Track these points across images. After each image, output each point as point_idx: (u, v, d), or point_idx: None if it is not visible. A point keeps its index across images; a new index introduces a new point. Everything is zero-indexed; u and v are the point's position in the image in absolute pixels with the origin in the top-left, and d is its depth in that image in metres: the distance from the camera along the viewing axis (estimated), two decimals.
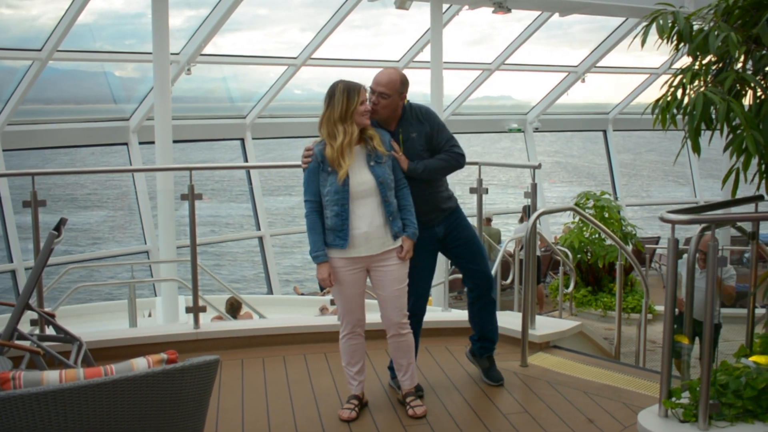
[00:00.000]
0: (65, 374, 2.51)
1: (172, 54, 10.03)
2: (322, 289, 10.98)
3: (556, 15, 12.85)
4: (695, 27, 3.75)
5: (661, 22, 3.73)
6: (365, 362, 4.02)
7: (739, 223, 4.26)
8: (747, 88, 3.76)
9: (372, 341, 4.30)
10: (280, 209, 31.38)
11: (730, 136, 3.65)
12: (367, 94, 3.83)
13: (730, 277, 6.51)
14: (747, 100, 3.79)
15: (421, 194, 3.95)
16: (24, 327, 4.17)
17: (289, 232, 24.77)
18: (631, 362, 6.40)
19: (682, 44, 3.79)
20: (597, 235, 9.97)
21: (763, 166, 3.73)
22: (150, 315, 9.78)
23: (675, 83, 3.71)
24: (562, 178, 38.63)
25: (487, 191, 5.58)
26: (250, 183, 13.61)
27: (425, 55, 12.49)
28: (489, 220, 12.67)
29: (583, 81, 15.41)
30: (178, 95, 12.35)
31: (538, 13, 13.21)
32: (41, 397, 2.40)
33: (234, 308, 8.73)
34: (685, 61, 3.84)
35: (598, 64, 15.14)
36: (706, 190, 17.94)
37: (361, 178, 3.73)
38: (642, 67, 16.29)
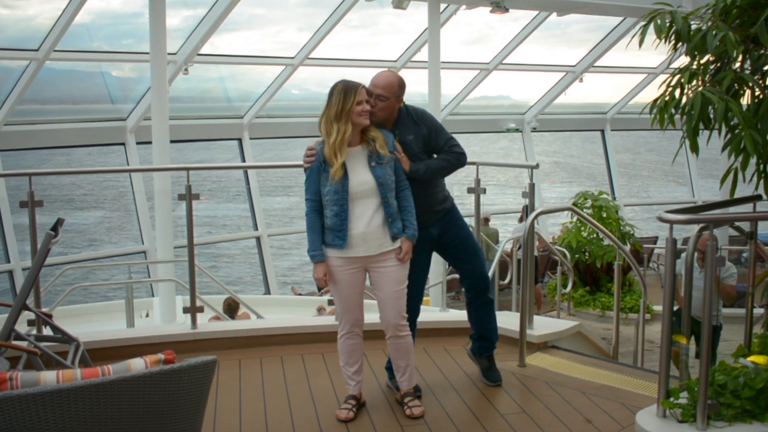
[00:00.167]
0: (62, 375, 2.51)
1: (169, 54, 10.02)
2: (319, 289, 10.96)
3: (554, 14, 12.83)
4: (693, 26, 3.75)
5: (659, 21, 3.73)
6: (363, 362, 4.02)
7: (737, 223, 4.26)
8: (745, 88, 3.76)
9: (370, 341, 4.29)
10: (277, 209, 31.35)
11: (729, 135, 3.65)
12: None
13: (730, 276, 6.41)
14: (745, 100, 3.80)
15: (416, 196, 3.93)
16: (21, 327, 4.17)
17: (286, 232, 24.78)
18: (629, 362, 6.40)
19: (679, 44, 3.79)
20: (595, 235, 9.97)
21: (762, 166, 3.73)
22: (147, 315, 9.77)
23: (673, 83, 3.71)
24: (560, 178, 38.60)
25: (485, 191, 5.58)
26: (248, 183, 13.58)
27: (423, 54, 12.47)
28: (487, 220, 12.67)
29: (581, 81, 15.39)
30: (176, 95, 12.32)
31: (536, 12, 13.21)
32: (38, 398, 2.39)
33: (231, 308, 8.73)
34: (683, 60, 3.84)
35: (595, 64, 15.14)
36: (704, 190, 17.94)
37: (362, 178, 3.72)
38: (640, 66, 16.28)
